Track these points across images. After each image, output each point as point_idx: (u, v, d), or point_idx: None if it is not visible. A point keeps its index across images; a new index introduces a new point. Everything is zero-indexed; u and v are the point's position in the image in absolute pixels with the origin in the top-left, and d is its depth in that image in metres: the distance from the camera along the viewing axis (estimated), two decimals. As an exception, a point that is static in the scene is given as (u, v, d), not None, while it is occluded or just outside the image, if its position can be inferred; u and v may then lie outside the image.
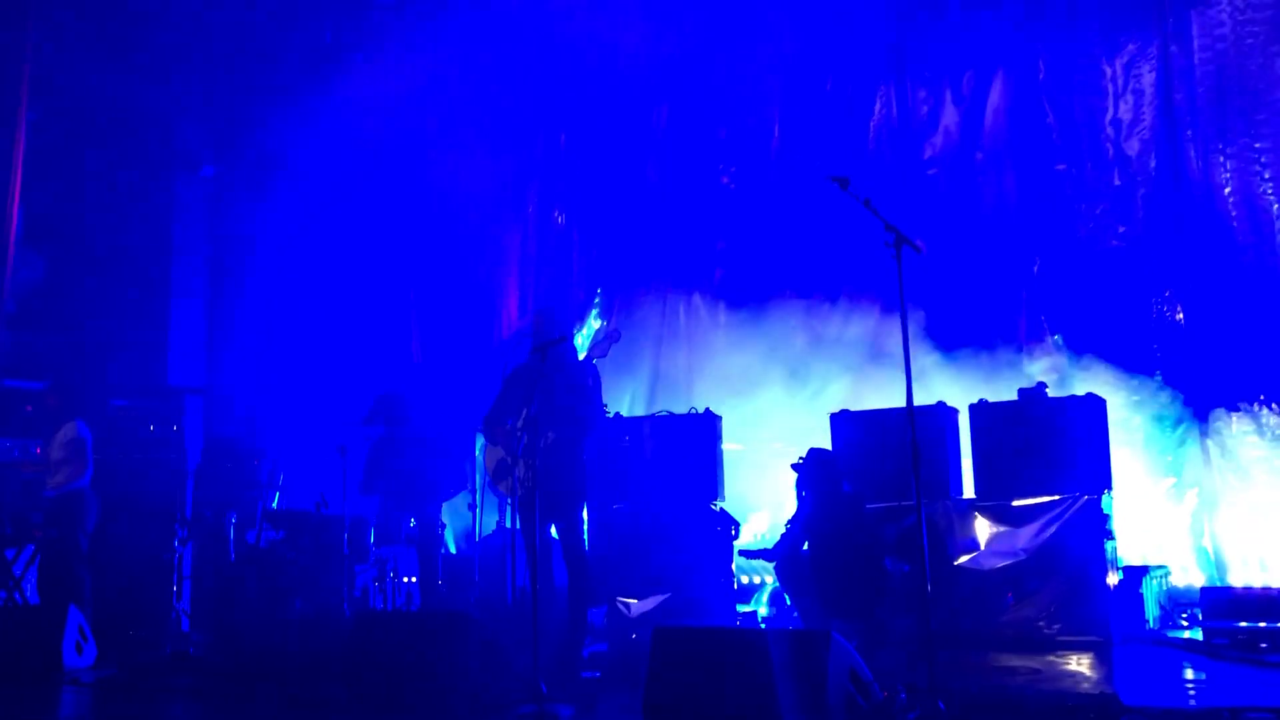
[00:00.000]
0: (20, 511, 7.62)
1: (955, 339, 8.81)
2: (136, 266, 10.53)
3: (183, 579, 8.36)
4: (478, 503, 7.76)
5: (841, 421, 7.80)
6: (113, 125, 10.40)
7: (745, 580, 8.63)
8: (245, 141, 11.04)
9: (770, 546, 7.18)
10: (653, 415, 8.17)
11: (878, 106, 9.54)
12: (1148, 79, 8.61)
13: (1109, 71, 8.75)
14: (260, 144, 10.90)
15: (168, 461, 8.66)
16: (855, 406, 7.89)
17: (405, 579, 7.72)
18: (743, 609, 8.19)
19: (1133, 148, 8.63)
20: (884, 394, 8.07)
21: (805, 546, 6.90)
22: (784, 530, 7.08)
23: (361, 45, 11.13)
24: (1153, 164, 8.57)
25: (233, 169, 11.43)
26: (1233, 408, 8.11)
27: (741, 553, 7.69)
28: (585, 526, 6.94)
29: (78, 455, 7.76)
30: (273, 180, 11.04)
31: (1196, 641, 6.75)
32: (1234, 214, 8.29)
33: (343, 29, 11.09)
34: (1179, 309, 8.38)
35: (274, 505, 8.92)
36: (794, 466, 7.02)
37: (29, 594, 7.84)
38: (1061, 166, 8.84)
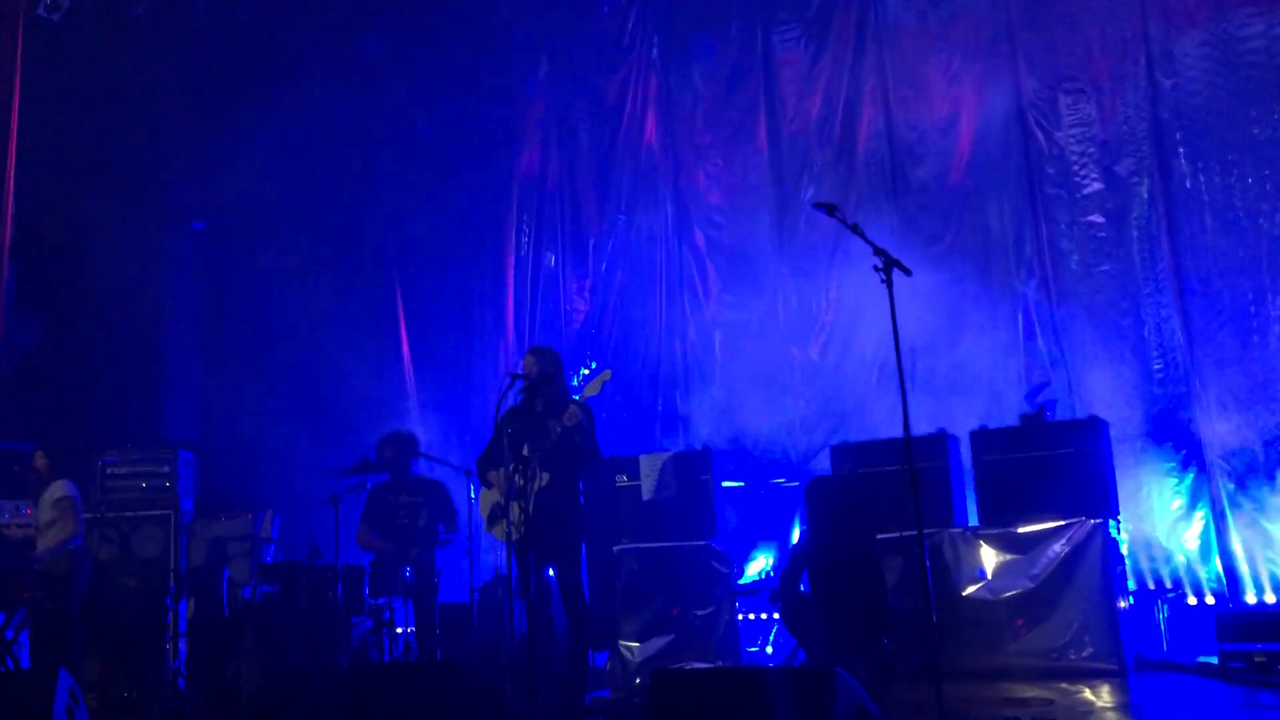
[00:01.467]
0: (10, 574, 7.50)
1: (953, 364, 8.72)
2: (129, 321, 10.48)
3: (178, 636, 8.22)
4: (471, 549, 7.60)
5: (842, 454, 7.70)
6: (102, 182, 10.40)
7: (751, 618, 8.49)
8: (235, 194, 11.02)
9: (769, 581, 7.08)
10: (651, 453, 8.08)
11: (863, 132, 9.51)
12: (1135, 101, 8.57)
13: (1097, 94, 8.71)
14: (250, 196, 10.88)
15: (161, 517, 8.57)
16: (856, 438, 7.80)
17: (401, 629, 7.58)
18: (749, 650, 8.05)
19: (1123, 169, 8.57)
20: (884, 424, 7.98)
21: (804, 577, 6.78)
22: (784, 565, 6.98)
23: (352, 96, 11.16)
24: (1144, 185, 8.52)
25: (223, 222, 11.42)
26: (1239, 428, 8.00)
27: (739, 587, 7.59)
28: (584, 569, 6.82)
29: (67, 515, 7.68)
30: (264, 232, 11.02)
31: (1212, 666, 6.61)
32: (1228, 236, 8.22)
33: (332, 80, 11.10)
34: (1179, 330, 8.28)
35: (268, 559, 8.80)
36: (804, 490, 6.94)
37: (22, 657, 7.70)
38: (1052, 190, 8.79)
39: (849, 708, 4.03)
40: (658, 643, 7.52)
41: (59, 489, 7.72)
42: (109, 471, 8.65)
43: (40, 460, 7.92)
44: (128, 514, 8.55)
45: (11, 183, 10.04)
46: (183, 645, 8.27)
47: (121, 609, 8.10)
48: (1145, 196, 8.48)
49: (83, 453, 8.47)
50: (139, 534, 8.50)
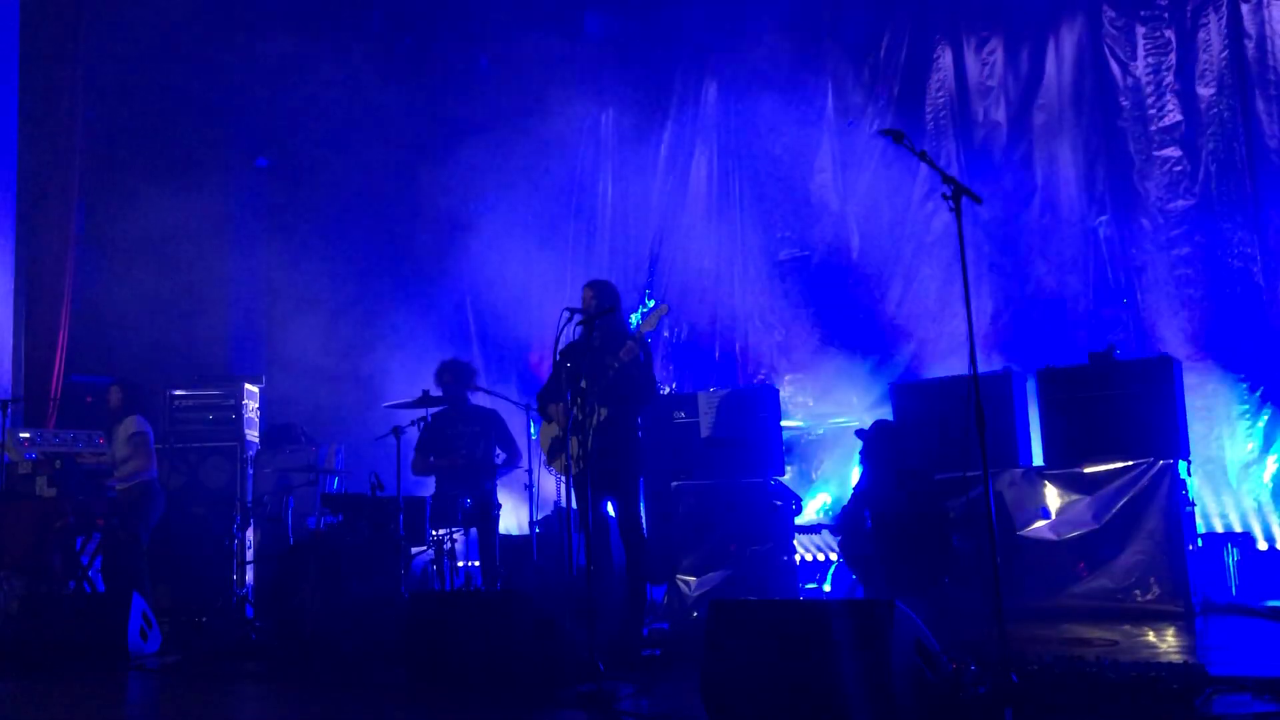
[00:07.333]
0: (84, 502, 7.70)
1: (1021, 302, 8.54)
2: (195, 257, 10.62)
3: (244, 564, 8.42)
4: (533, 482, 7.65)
5: (902, 392, 7.60)
6: (166, 120, 10.51)
7: (809, 558, 8.49)
8: (299, 131, 11.07)
9: (829, 520, 7.06)
10: (709, 389, 8.04)
11: (931, 64, 9.26)
12: (1217, 26, 8.22)
13: (1177, 21, 8.37)
14: (314, 133, 10.93)
15: (227, 449, 8.74)
16: (918, 376, 7.69)
17: (463, 562, 7.66)
18: (807, 587, 8.04)
19: (1200, 100, 8.25)
20: (947, 362, 7.86)
21: (866, 518, 6.75)
22: (845, 503, 6.95)
23: (413, 28, 11.11)
24: (1223, 116, 8.19)
25: (286, 159, 11.49)
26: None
27: (800, 528, 7.56)
28: (642, 503, 6.83)
29: (140, 451, 7.83)
30: (327, 168, 11.06)
31: (1282, 610, 6.49)
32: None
33: (393, 13, 11.06)
34: (1256, 268, 8.01)
35: (331, 490, 8.94)
36: (858, 433, 6.89)
37: (97, 582, 7.93)
38: (1125, 123, 8.50)
39: (908, 641, 3.99)
40: (715, 577, 7.53)
41: (132, 425, 7.88)
42: (177, 404, 8.82)
43: (115, 396, 8.08)
44: (195, 445, 8.73)
45: (79, 122, 10.18)
46: (249, 573, 8.46)
47: (190, 537, 8.31)
48: (1225, 127, 8.16)
49: (151, 386, 8.63)
50: (206, 465, 8.69)
